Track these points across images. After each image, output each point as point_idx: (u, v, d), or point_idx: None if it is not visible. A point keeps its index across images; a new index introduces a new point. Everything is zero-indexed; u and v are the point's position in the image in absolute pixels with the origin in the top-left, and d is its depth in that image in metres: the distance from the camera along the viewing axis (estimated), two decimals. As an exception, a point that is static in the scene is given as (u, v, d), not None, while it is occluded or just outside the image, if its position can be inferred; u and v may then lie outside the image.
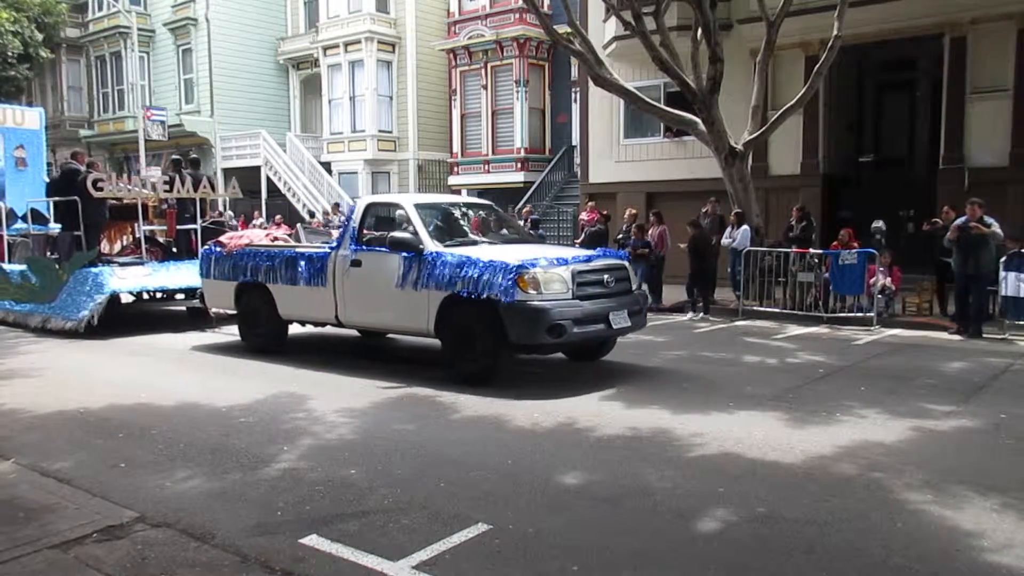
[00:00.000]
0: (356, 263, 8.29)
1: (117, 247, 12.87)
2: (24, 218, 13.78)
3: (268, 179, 27.27)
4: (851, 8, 12.91)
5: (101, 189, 11.07)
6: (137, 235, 12.58)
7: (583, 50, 14.16)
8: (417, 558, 3.71)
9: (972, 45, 14.15)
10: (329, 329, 9.86)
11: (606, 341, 8.31)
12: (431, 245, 7.75)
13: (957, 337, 10.27)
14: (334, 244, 8.70)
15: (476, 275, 7.22)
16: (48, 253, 12.73)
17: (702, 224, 13.61)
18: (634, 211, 14.86)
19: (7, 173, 15.45)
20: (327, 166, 26.77)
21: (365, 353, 9.58)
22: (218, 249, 9.87)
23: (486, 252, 7.57)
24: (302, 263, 8.79)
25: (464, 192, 24.83)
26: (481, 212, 9.74)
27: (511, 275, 7.03)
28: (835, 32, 12.65)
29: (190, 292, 11.71)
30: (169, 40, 30.23)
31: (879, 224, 12.53)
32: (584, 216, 16.61)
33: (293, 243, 10.15)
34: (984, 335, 10.18)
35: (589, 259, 7.82)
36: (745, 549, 3.81)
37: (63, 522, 4.16)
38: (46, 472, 5.04)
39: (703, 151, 14.89)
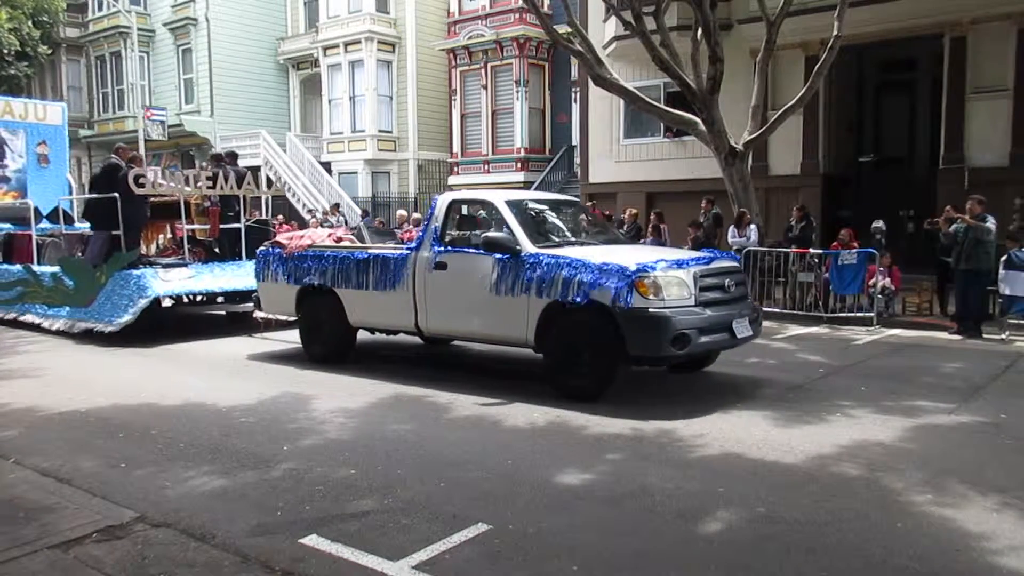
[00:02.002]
0: (441, 266, 7.56)
1: (153, 247, 12.35)
2: (51, 217, 13.30)
3: (268, 179, 27.24)
4: (851, 8, 12.90)
5: (143, 185, 10.41)
6: (175, 235, 11.96)
7: (583, 50, 14.15)
8: (417, 558, 3.71)
9: (972, 45, 14.15)
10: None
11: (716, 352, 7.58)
12: (529, 246, 7.07)
13: (957, 337, 10.27)
14: (413, 245, 7.98)
15: (587, 279, 6.53)
16: (80, 253, 12.05)
17: (703, 224, 13.60)
18: (634, 211, 14.87)
19: (29, 170, 15.13)
20: (327, 166, 26.78)
21: (366, 354, 9.56)
22: (277, 250, 9.09)
23: (591, 254, 6.89)
24: (377, 266, 8.06)
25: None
26: (569, 210, 8.91)
27: (629, 279, 6.35)
28: (835, 32, 12.64)
29: (236, 296, 11.11)
30: (169, 40, 30.25)
31: (879, 224, 12.53)
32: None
33: (360, 244, 9.34)
34: (984, 335, 10.18)
35: (708, 261, 7.15)
36: (745, 549, 3.81)
37: (63, 522, 4.16)
38: (46, 472, 5.04)
39: (703, 151, 14.87)
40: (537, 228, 7.64)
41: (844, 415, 6.28)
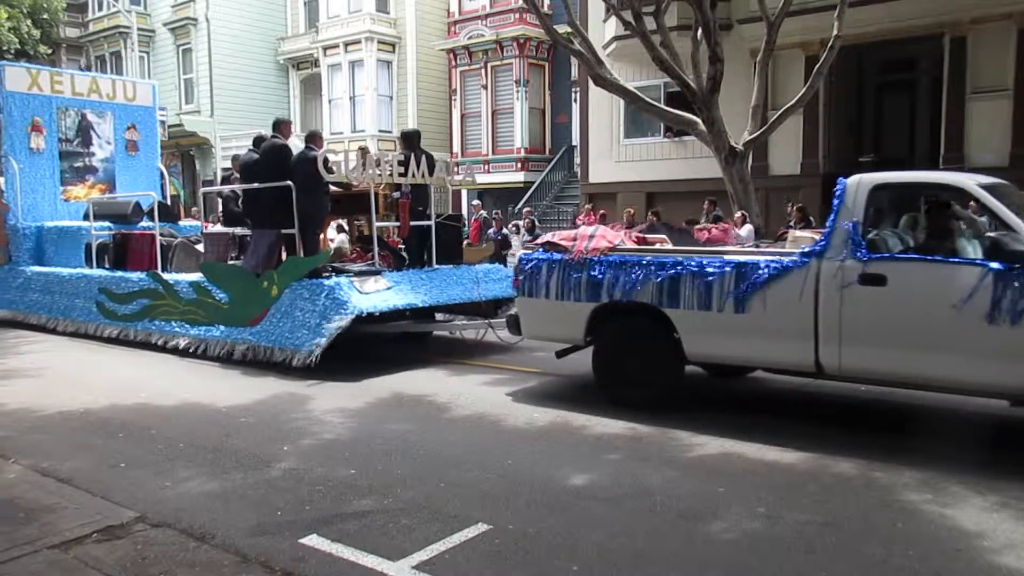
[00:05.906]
0: (873, 279, 5.37)
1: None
2: (152, 214, 10.98)
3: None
4: (851, 8, 12.91)
5: (332, 171, 8.36)
6: (353, 233, 10.18)
7: (583, 50, 14.16)
8: (417, 558, 3.71)
9: (972, 45, 14.16)
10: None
11: None
12: None
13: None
14: (813, 248, 5.74)
15: None
16: (233, 257, 9.84)
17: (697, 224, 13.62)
18: (631, 211, 14.88)
19: (117, 158, 13.28)
20: (327, 166, 26.75)
21: (364, 353, 9.54)
22: (555, 255, 6.86)
23: None
24: (744, 278, 5.86)
25: (464, 193, 24.85)
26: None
27: None
28: (835, 32, 12.65)
29: (446, 310, 9.29)
30: (169, 40, 30.25)
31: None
32: (581, 218, 16.66)
33: (691, 248, 7.08)
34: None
35: None
36: (745, 549, 3.81)
37: (63, 522, 4.16)
38: (46, 472, 5.04)
39: (703, 151, 14.88)
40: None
41: (844, 415, 6.28)
